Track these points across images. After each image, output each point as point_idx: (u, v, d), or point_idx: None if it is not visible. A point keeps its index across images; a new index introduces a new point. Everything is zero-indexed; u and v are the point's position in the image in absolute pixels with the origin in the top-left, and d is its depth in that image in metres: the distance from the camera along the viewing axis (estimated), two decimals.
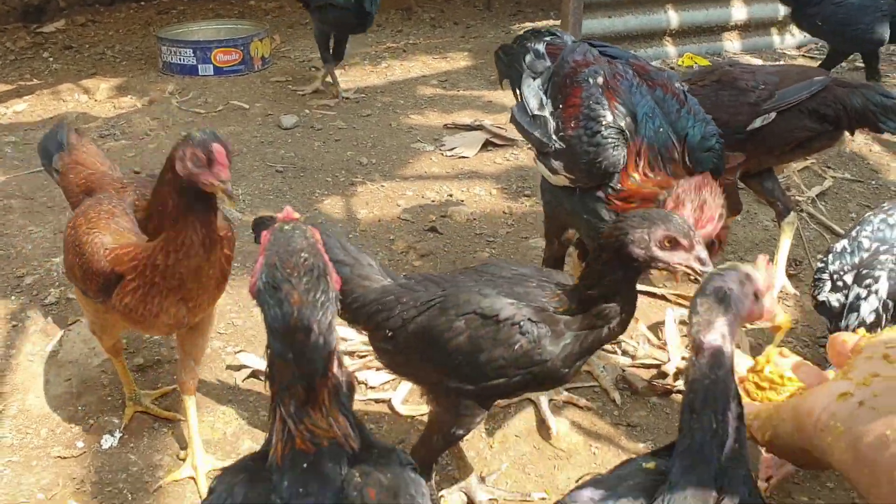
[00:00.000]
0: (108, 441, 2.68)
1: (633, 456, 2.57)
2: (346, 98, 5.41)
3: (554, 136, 2.59)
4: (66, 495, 2.49)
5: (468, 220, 3.98)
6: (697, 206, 2.27)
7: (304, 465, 1.31)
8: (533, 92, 2.72)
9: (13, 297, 3.37)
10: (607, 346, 3.07)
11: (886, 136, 4.84)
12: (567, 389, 2.89)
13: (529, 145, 2.87)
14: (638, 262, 1.90)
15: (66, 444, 2.68)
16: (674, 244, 1.87)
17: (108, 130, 4.98)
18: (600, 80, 2.55)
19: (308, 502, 1.29)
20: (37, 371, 2.98)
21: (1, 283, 3.46)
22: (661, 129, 2.48)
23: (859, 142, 4.79)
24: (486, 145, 4.72)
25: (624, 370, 2.98)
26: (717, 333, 1.50)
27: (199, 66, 5.84)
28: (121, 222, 2.40)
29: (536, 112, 2.67)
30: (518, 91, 2.84)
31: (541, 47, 2.81)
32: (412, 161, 4.59)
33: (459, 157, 4.59)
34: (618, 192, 2.48)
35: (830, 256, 2.63)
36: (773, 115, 3.06)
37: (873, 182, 4.37)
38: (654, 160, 2.48)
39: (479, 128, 4.88)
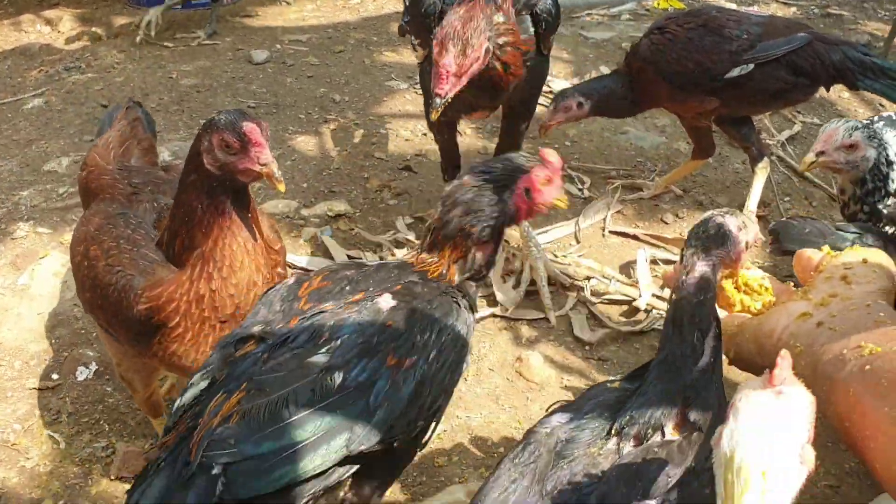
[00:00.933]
0: (83, 373, 2.68)
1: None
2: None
3: (405, 16, 2.82)
4: (43, 425, 2.50)
5: None
6: (459, 51, 2.21)
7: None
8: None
9: None
10: (578, 284, 3.13)
11: None
12: (537, 320, 2.95)
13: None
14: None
15: (40, 375, 2.68)
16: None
17: (72, 63, 4.85)
18: None
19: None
20: (8, 304, 2.95)
21: None
22: None
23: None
24: None
25: (593, 304, 3.03)
26: (710, 262, 1.59)
27: None
28: (146, 253, 1.95)
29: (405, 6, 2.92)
30: None
31: None
32: (386, 99, 4.55)
33: None
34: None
35: (877, 116, 2.93)
36: (751, 66, 3.08)
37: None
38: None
39: None
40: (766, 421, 1.21)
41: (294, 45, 5.14)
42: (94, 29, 5.36)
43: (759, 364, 1.61)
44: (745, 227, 1.68)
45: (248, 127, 1.75)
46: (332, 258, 3.23)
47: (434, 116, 2.27)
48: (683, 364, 1.56)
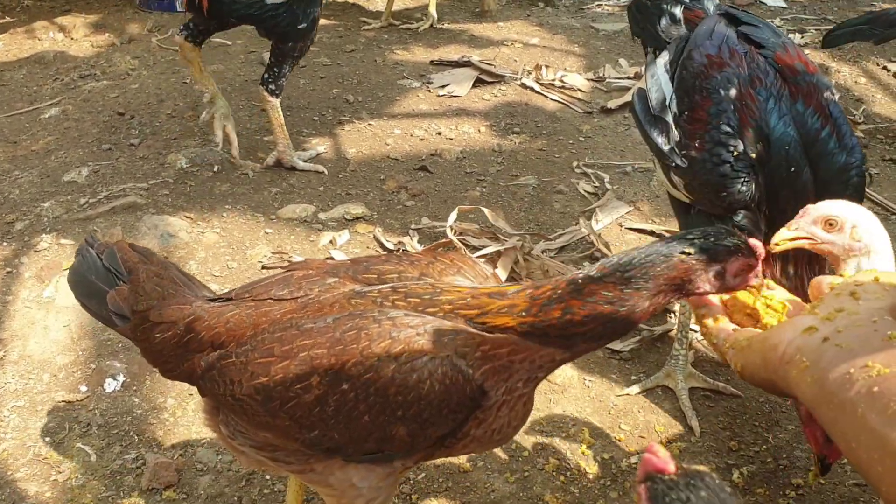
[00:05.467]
0: (110, 385, 2.72)
1: (625, 389, 2.65)
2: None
3: (676, 150, 2.32)
4: (73, 438, 2.54)
5: (458, 158, 3.99)
6: None
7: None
8: (657, 83, 2.42)
9: (5, 244, 3.36)
10: None
11: (872, 66, 4.87)
12: None
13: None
14: None
15: (69, 388, 2.72)
16: None
17: (87, 70, 4.89)
18: (733, 92, 2.24)
19: None
20: (35, 317, 2.99)
21: None
22: (794, 167, 2.18)
23: (845, 73, 4.81)
24: (475, 82, 4.68)
25: None
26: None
27: (177, 2, 5.71)
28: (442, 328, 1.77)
29: (658, 112, 2.39)
30: (646, 65, 2.57)
31: (677, 11, 2.60)
32: (399, 98, 4.56)
33: (451, 96, 4.55)
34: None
35: None
36: None
37: (855, 113, 4.39)
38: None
39: (468, 64, 4.84)
40: None
41: None
42: (107, 35, 5.40)
43: (764, 377, 1.58)
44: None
45: (757, 245, 1.67)
46: None
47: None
48: None
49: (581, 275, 1.70)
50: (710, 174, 2.22)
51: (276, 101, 3.71)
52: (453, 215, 3.30)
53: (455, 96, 4.56)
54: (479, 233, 3.32)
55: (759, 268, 1.68)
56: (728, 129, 2.21)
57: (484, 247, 3.20)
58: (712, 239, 1.66)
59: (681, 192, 2.38)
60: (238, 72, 4.82)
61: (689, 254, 1.64)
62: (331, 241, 3.38)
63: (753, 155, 2.20)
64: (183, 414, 2.62)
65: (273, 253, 3.27)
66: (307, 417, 1.75)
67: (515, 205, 3.65)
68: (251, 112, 4.37)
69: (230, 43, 5.22)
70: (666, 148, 2.34)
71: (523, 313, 1.71)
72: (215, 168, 3.86)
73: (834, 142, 2.20)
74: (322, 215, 3.56)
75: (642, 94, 2.45)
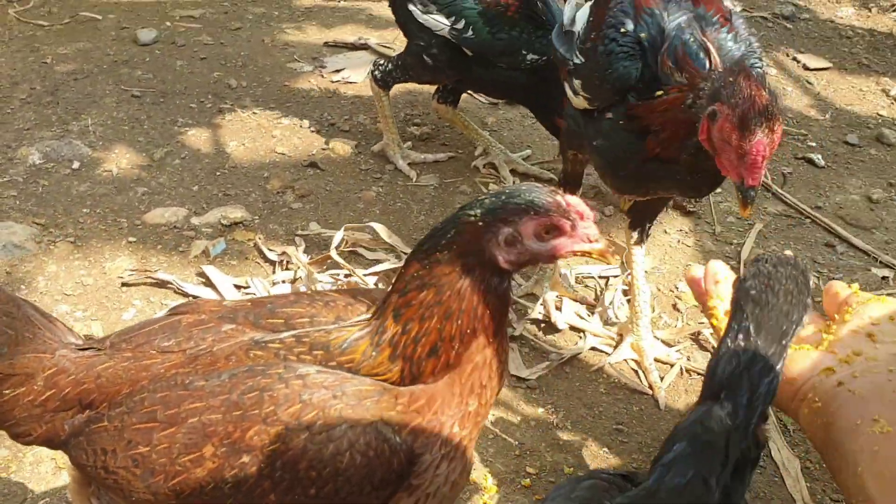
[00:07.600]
0: None
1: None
2: None
3: (575, 50, 2.32)
4: None
5: (353, 153, 3.64)
6: (768, 127, 1.83)
7: None
8: (571, 6, 2.46)
9: None
10: None
11: (782, 57, 4.75)
12: None
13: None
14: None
15: None
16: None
17: None
18: None
19: None
20: None
21: None
22: (692, 39, 2.09)
23: None
24: None
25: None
26: None
27: None
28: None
29: (567, 27, 2.40)
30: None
31: None
32: (289, 83, 4.16)
33: (346, 83, 4.18)
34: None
35: None
36: None
37: None
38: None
39: (365, 47, 4.47)
40: None
41: (185, 22, 4.67)
42: None
43: (780, 406, 1.58)
44: None
45: (573, 200, 1.43)
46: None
47: (748, 213, 1.93)
48: None
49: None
50: (600, 55, 2.19)
51: (380, 91, 3.47)
52: (339, 235, 2.95)
53: (351, 83, 4.19)
54: (372, 244, 2.99)
55: (587, 231, 1.43)
56: (621, 14, 2.19)
57: (379, 261, 2.88)
58: (504, 196, 1.43)
59: (580, 97, 2.31)
60: (107, 51, 4.31)
61: (475, 215, 1.43)
62: (203, 252, 2.99)
63: (643, 35, 2.12)
64: (18, 468, 2.22)
65: (133, 270, 2.86)
66: (198, 495, 1.46)
67: (415, 207, 3.33)
68: (119, 98, 3.89)
69: (101, 17, 4.68)
70: (568, 53, 2.36)
71: (374, 351, 1.50)
72: (74, 165, 3.40)
73: (732, 37, 2.17)
74: (195, 220, 3.16)
75: (559, 25, 2.50)
